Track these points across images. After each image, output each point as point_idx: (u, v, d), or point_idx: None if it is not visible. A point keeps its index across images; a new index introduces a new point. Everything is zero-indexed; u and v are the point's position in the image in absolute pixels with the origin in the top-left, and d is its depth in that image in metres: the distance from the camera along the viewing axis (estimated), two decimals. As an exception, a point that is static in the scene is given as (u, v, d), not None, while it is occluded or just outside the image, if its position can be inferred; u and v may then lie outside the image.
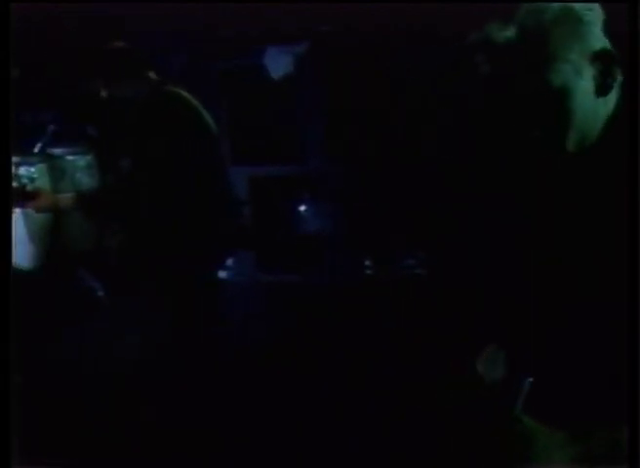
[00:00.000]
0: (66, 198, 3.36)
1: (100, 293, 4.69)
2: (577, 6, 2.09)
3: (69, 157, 4.70)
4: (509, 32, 2.11)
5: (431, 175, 4.66)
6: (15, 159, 4.42)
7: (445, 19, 4.05)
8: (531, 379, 2.28)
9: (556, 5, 2.09)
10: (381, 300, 4.51)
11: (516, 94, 2.07)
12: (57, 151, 4.72)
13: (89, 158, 4.74)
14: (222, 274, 3.84)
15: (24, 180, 4.43)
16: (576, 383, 2.19)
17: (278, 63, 4.71)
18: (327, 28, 4.77)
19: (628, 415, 2.09)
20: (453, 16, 4.08)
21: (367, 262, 4.84)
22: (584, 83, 2.09)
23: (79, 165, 4.69)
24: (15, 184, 4.33)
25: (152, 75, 3.26)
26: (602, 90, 2.11)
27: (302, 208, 5.02)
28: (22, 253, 4.45)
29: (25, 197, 3.41)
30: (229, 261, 4.06)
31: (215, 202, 3.28)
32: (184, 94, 3.25)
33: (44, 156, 4.65)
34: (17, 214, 4.33)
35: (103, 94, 3.26)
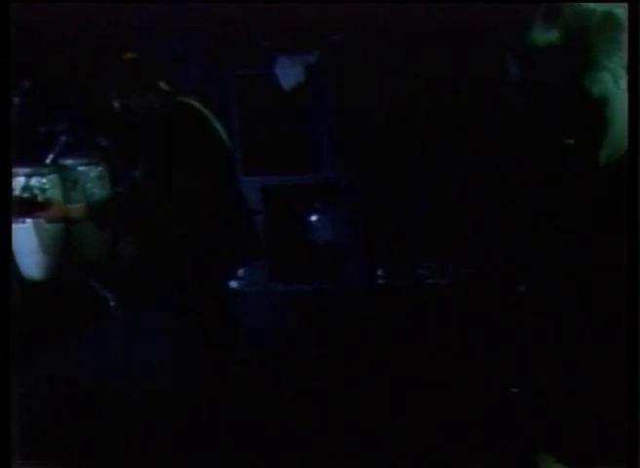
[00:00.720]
0: (78, 208, 3.33)
1: (112, 303, 4.72)
2: (619, 11, 2.03)
3: (81, 168, 4.75)
4: (552, 35, 2.06)
5: (446, 185, 4.68)
6: (26, 170, 4.55)
7: (462, 24, 4.05)
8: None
9: (600, 9, 2.05)
10: (394, 309, 4.52)
11: (553, 100, 2.02)
12: (68, 162, 4.77)
13: (100, 169, 4.79)
14: (234, 284, 3.83)
15: (36, 191, 4.50)
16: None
17: (289, 73, 4.75)
18: (338, 38, 4.80)
19: (628, 415, 2.12)
20: (464, 21, 4.08)
21: (379, 271, 4.86)
22: (621, 92, 2.04)
23: (90, 175, 4.74)
24: (26, 195, 4.40)
25: (164, 86, 3.23)
26: None
27: (315, 217, 5.05)
28: (34, 263, 4.50)
29: (37, 208, 3.43)
30: (241, 271, 4.05)
31: (227, 211, 3.24)
32: (196, 104, 3.20)
33: (56, 167, 4.71)
34: (28, 224, 4.39)
35: (116, 105, 3.17)
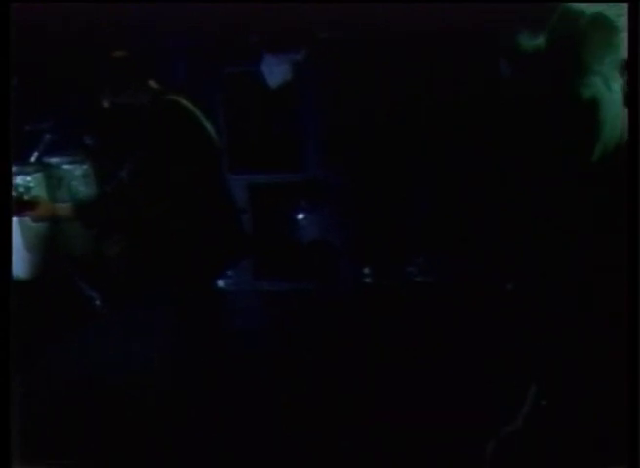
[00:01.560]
0: (65, 207, 3.27)
1: (98, 303, 4.70)
2: (609, 12, 2.02)
3: (66, 166, 4.77)
4: (540, 41, 2.04)
5: (433, 183, 4.69)
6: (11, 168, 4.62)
7: (452, 22, 4.05)
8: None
9: (590, 10, 2.03)
10: (380, 308, 4.53)
11: (544, 103, 2.01)
12: (53, 160, 4.78)
13: (85, 167, 4.81)
14: (221, 282, 3.83)
15: (21, 189, 4.51)
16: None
17: (275, 72, 4.75)
18: (325, 35, 4.80)
19: (628, 416, 2.17)
20: (458, 18, 4.09)
21: (366, 270, 4.86)
22: (613, 95, 2.05)
23: (75, 174, 4.76)
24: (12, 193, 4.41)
25: (153, 84, 3.24)
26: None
27: (301, 215, 5.05)
28: (19, 262, 4.47)
29: (23, 206, 3.33)
30: (228, 270, 4.04)
31: (214, 210, 3.26)
32: (185, 102, 3.21)
33: (41, 165, 4.72)
34: (13, 223, 4.37)
35: (105, 103, 3.20)
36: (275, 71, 4.74)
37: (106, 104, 3.21)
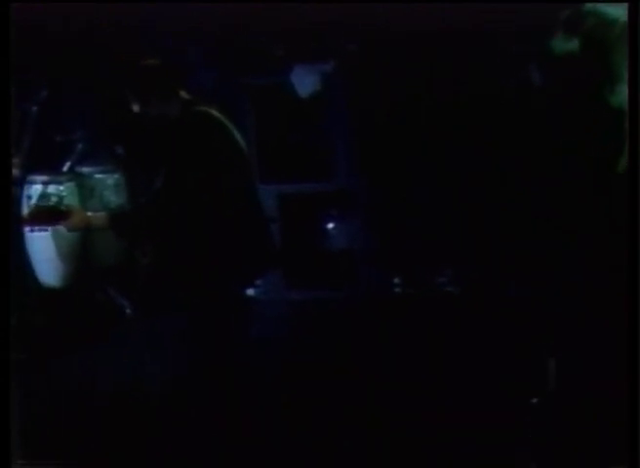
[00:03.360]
0: (99, 217, 3.38)
1: (129, 311, 4.77)
2: None
3: (98, 175, 4.81)
4: (572, 44, 2.03)
5: (464, 193, 4.71)
6: (44, 177, 4.64)
7: (481, 26, 4.07)
8: None
9: (622, 19, 2.03)
10: (410, 318, 4.55)
11: (572, 108, 2.01)
12: (85, 170, 4.83)
13: (117, 177, 4.85)
14: (251, 292, 3.88)
15: (54, 199, 4.55)
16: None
17: (305, 82, 4.81)
18: (354, 47, 4.86)
19: (628, 416, 2.21)
20: (486, 21, 4.11)
21: (396, 280, 4.90)
22: None
23: (107, 183, 4.80)
24: (44, 203, 4.47)
25: (184, 94, 3.29)
26: None
27: (331, 224, 5.10)
28: (51, 271, 4.57)
29: (58, 216, 3.50)
30: (258, 279, 4.09)
31: (244, 220, 3.30)
32: (216, 113, 3.28)
33: (73, 175, 4.78)
34: (46, 232, 4.46)
35: (135, 112, 3.26)
36: (305, 82, 4.80)
37: (138, 114, 3.26)
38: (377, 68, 4.82)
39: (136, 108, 3.24)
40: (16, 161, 4.52)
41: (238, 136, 3.30)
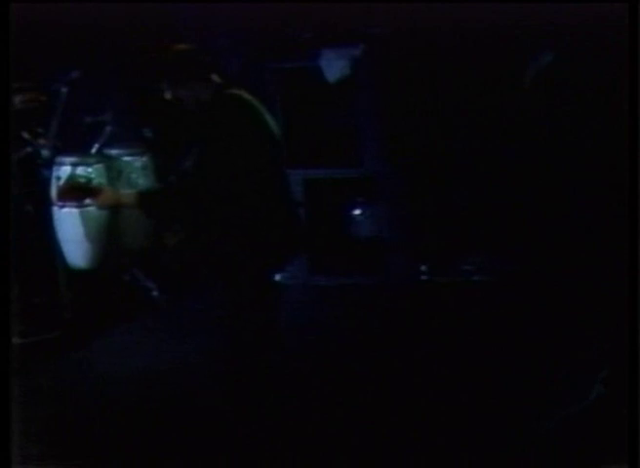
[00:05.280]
0: (129, 195, 3.37)
1: (155, 294, 4.84)
2: None
3: (126, 158, 4.91)
4: None
5: (494, 180, 4.70)
6: (72, 159, 4.75)
7: (511, 20, 4.08)
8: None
9: None
10: (436, 306, 4.56)
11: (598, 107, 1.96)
12: (113, 152, 4.93)
13: (144, 159, 4.94)
14: (278, 277, 3.91)
15: (82, 180, 4.40)
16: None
17: (334, 66, 4.83)
18: (383, 30, 4.87)
19: (628, 415, 2.25)
20: (513, 17, 4.12)
21: (423, 267, 4.92)
22: None
23: (135, 166, 4.89)
24: (76, 182, 4.50)
25: (215, 78, 3.28)
26: None
27: (357, 211, 5.09)
28: (78, 252, 4.65)
29: (89, 192, 3.42)
30: (285, 264, 4.12)
31: (273, 204, 3.30)
32: (248, 96, 3.27)
33: (101, 157, 4.87)
34: (74, 211, 4.59)
35: (167, 96, 3.23)
36: (334, 66, 4.82)
37: (168, 97, 3.26)
38: (406, 53, 4.82)
39: (167, 92, 3.25)
40: (45, 142, 4.64)
41: (270, 119, 3.30)
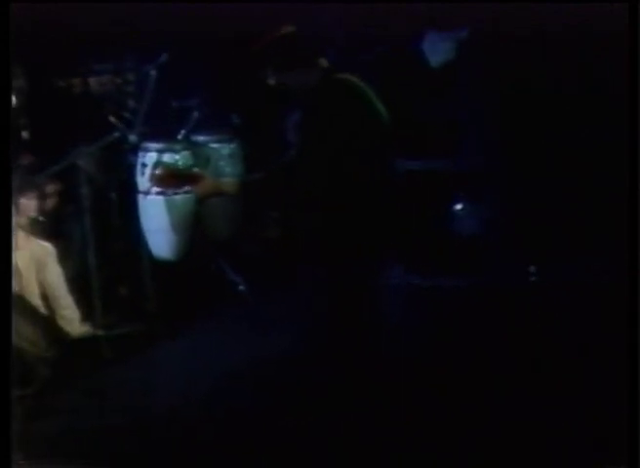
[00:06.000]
0: (230, 183, 3.26)
1: (242, 288, 4.67)
2: None
3: (213, 145, 4.76)
4: None
5: (607, 168, 4.33)
6: (158, 145, 4.60)
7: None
8: None
9: None
10: (547, 310, 4.27)
11: None
12: (201, 138, 4.79)
13: (232, 146, 4.78)
14: (375, 276, 3.67)
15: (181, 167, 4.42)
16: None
17: (438, 49, 4.65)
18: (491, 13, 4.60)
19: (628, 415, 2.35)
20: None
21: (532, 268, 4.65)
22: None
23: (222, 153, 4.73)
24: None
25: (323, 62, 3.19)
26: None
27: (458, 206, 4.92)
28: (163, 242, 4.51)
29: (188, 180, 3.33)
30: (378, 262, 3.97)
31: (379, 197, 3.18)
32: (358, 81, 3.18)
33: (188, 143, 4.73)
34: (158, 200, 4.45)
35: (270, 82, 3.15)
36: (438, 49, 4.65)
37: (272, 83, 3.16)
38: (516, 38, 4.50)
39: (271, 78, 3.16)
40: (132, 127, 4.50)
41: (381, 106, 3.20)
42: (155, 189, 4.35)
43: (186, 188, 3.49)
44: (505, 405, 3.41)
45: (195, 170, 3.84)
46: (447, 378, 3.63)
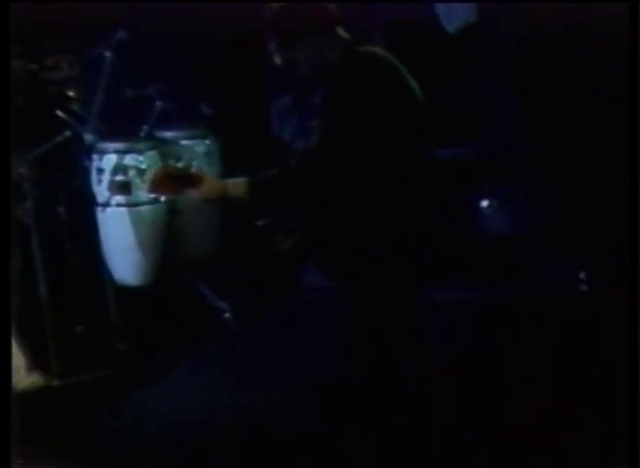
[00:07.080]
0: (238, 184, 2.90)
1: (228, 316, 4.24)
2: None
3: (184, 142, 4.27)
4: None
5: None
6: (118, 145, 4.06)
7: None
8: None
9: None
10: (600, 322, 3.87)
11: None
12: (168, 135, 4.29)
13: (208, 143, 4.29)
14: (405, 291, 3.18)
15: (132, 172, 3.95)
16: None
17: (455, 12, 4.22)
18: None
19: (628, 415, 2.47)
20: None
21: (582, 275, 4.25)
22: None
23: (197, 151, 4.24)
24: (120, 178, 3.91)
25: (342, 33, 2.93)
26: None
27: (484, 202, 4.53)
28: (129, 264, 3.98)
29: (188, 182, 2.98)
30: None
31: (414, 195, 2.91)
32: (386, 54, 2.93)
33: (153, 141, 4.20)
34: (122, 213, 3.94)
35: (277, 58, 2.91)
36: (455, 12, 4.21)
37: (277, 61, 2.91)
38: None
39: (276, 53, 2.91)
40: (84, 123, 3.96)
41: (414, 83, 2.92)
42: (151, 195, 3.82)
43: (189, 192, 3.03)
44: (505, 405, 3.42)
45: (194, 170, 3.56)
46: (492, 406, 3.43)
